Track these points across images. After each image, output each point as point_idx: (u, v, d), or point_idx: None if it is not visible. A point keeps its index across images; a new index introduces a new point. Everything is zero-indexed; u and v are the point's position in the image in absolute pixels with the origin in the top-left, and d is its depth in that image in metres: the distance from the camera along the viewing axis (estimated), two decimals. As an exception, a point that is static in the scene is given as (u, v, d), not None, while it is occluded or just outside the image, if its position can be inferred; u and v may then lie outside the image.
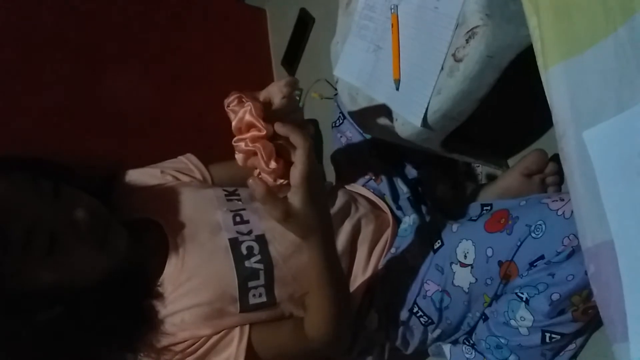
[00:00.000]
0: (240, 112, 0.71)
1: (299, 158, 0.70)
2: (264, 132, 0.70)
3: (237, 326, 0.89)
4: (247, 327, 0.89)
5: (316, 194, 0.73)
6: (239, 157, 0.73)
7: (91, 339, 0.84)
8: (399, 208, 1.14)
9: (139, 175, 1.06)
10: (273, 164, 0.70)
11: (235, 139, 0.73)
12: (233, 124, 0.72)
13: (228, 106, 0.73)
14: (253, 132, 0.70)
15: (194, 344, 0.86)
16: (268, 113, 0.73)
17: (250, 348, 0.88)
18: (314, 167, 0.71)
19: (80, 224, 0.80)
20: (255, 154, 0.71)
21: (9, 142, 1.35)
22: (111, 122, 1.69)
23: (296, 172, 0.70)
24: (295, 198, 0.72)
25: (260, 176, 0.72)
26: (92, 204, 0.84)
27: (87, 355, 0.85)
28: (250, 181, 0.71)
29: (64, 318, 0.81)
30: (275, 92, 0.76)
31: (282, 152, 0.72)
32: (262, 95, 0.76)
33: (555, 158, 1.08)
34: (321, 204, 0.77)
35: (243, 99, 0.72)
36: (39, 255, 0.76)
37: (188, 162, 1.13)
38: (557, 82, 0.56)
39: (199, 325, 0.87)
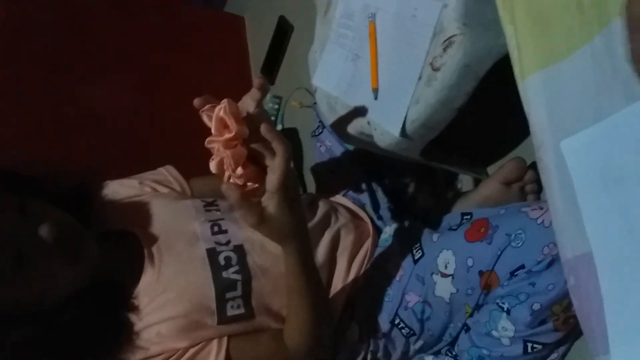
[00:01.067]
0: (216, 110, 0.70)
1: (278, 164, 0.71)
2: (233, 133, 0.69)
3: (214, 338, 0.87)
4: (225, 340, 0.87)
5: (292, 200, 0.74)
6: (212, 163, 0.73)
7: (66, 355, 0.81)
8: (380, 218, 1.14)
9: (116, 187, 1.04)
10: (240, 170, 0.71)
11: (207, 139, 0.72)
12: (212, 124, 0.71)
13: (202, 111, 0.73)
14: (225, 136, 0.70)
15: (169, 357, 0.84)
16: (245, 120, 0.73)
17: (228, 357, 0.86)
18: (291, 175, 0.72)
19: (46, 240, 0.77)
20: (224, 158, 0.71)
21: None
22: (90, 132, 1.67)
23: (274, 178, 0.71)
24: (270, 203, 0.73)
25: (230, 181, 0.72)
26: (60, 218, 0.82)
27: None
28: (223, 187, 0.72)
29: (35, 338, 0.79)
30: (248, 102, 0.76)
31: (255, 155, 0.73)
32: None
33: (534, 166, 1.09)
34: (297, 210, 0.77)
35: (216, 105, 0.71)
36: (5, 273, 0.73)
37: (167, 174, 1.11)
38: (534, 92, 0.56)
39: (175, 338, 0.85)
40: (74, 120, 1.65)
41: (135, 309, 0.86)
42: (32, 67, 1.60)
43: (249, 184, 0.73)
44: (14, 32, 1.54)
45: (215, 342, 0.86)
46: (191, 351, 0.85)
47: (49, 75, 1.62)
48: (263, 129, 0.71)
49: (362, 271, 1.05)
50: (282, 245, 0.79)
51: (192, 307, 0.86)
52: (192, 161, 1.13)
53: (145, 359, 0.84)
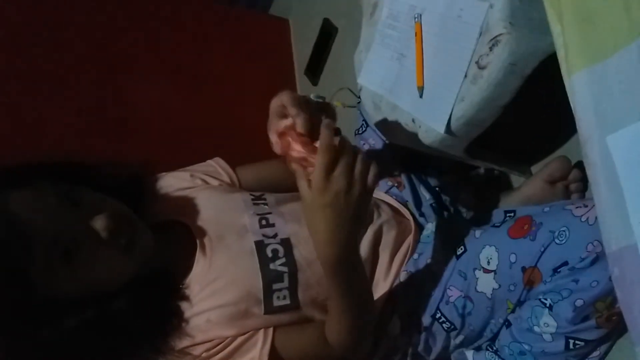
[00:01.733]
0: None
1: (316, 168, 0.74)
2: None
3: (261, 328, 0.91)
4: (270, 330, 0.90)
5: (326, 206, 0.75)
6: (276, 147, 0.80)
7: (119, 341, 0.85)
8: (422, 215, 1.15)
9: (169, 179, 1.08)
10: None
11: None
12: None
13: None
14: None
15: (217, 345, 0.87)
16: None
17: (273, 350, 0.89)
18: (330, 183, 0.73)
19: (100, 232, 0.81)
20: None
21: (39, 145, 1.39)
22: (139, 129, 1.73)
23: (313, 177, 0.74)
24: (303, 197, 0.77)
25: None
26: (115, 208, 0.85)
27: (115, 358, 0.87)
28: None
29: (91, 322, 0.82)
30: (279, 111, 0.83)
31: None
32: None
33: (579, 165, 1.09)
34: (331, 220, 0.76)
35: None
36: (62, 264, 0.78)
37: (216, 165, 1.15)
38: (580, 89, 0.57)
39: (223, 325, 0.89)
40: (131, 119, 1.71)
41: (186, 297, 0.90)
42: (87, 65, 1.67)
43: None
44: (73, 34, 1.61)
45: (261, 333, 0.90)
46: (238, 340, 0.88)
47: (104, 74, 1.68)
48: (323, 125, 0.75)
49: (404, 266, 1.07)
50: (315, 250, 0.80)
51: (240, 296, 0.90)
52: (237, 156, 1.18)
53: (193, 345, 0.88)
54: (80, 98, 1.65)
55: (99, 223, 0.81)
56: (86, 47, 1.67)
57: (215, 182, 1.11)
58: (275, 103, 0.83)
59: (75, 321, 0.82)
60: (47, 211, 0.79)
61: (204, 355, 0.86)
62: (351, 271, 0.82)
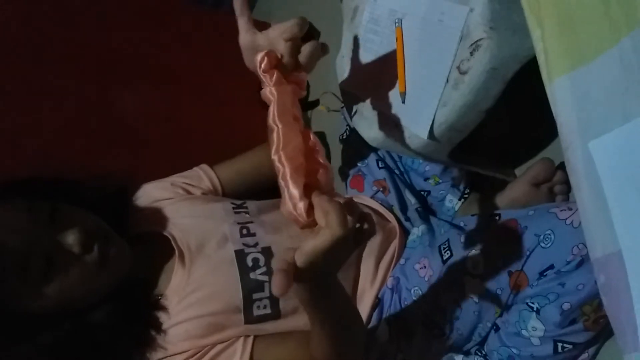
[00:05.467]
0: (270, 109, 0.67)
1: (322, 236, 0.58)
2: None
3: (239, 338, 0.89)
4: (250, 339, 0.89)
5: (321, 269, 0.62)
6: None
7: (96, 354, 0.85)
8: (408, 219, 1.15)
9: (150, 190, 1.08)
10: (301, 210, 0.62)
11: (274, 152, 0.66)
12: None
13: (260, 67, 0.69)
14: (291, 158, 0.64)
15: (195, 354, 0.87)
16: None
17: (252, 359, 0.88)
18: (330, 252, 0.59)
19: (72, 246, 0.80)
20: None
21: (20, 157, 1.37)
22: (123, 137, 1.71)
23: (310, 244, 0.59)
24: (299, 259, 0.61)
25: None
26: (88, 223, 0.85)
27: None
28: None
29: (67, 337, 0.82)
30: (277, 35, 0.71)
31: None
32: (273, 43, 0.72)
33: (563, 166, 1.09)
34: (323, 284, 0.67)
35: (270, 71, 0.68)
36: (36, 279, 0.77)
37: (200, 171, 1.16)
38: (562, 94, 0.56)
39: (201, 335, 0.88)
40: (107, 127, 1.69)
41: (164, 309, 0.89)
42: (62, 75, 1.64)
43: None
44: (43, 42, 1.58)
45: (240, 341, 0.89)
46: (217, 348, 0.88)
47: (80, 83, 1.66)
48: (314, 198, 0.61)
49: (389, 272, 1.06)
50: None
51: (220, 307, 0.89)
52: (224, 160, 1.17)
53: (172, 355, 0.87)
54: (63, 106, 1.62)
55: (71, 238, 0.81)
56: (69, 54, 1.64)
57: (196, 191, 1.11)
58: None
59: (51, 336, 0.82)
60: (18, 228, 0.78)
61: None
62: (327, 294, 0.72)
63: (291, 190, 0.62)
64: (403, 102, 0.87)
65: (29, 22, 1.55)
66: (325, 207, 0.59)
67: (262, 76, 0.68)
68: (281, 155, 0.63)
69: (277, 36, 0.70)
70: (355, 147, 1.24)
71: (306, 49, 0.71)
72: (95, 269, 0.83)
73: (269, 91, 0.67)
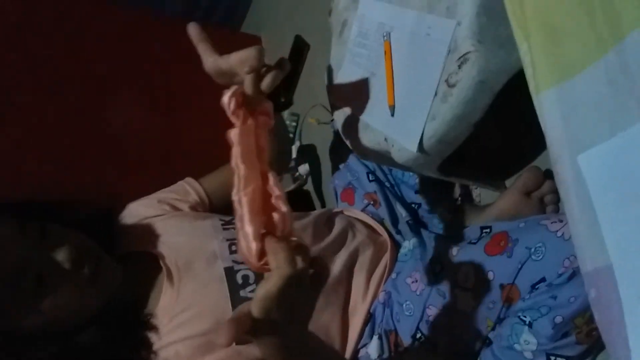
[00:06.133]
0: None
1: (272, 278, 0.57)
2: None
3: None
4: None
5: (281, 318, 0.59)
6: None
7: None
8: (399, 232, 1.14)
9: (136, 208, 1.07)
10: (253, 253, 0.61)
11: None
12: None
13: (229, 109, 0.68)
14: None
15: None
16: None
17: None
18: (283, 295, 0.57)
19: (64, 263, 0.80)
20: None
21: (8, 178, 1.36)
22: (110, 155, 1.70)
23: (261, 290, 0.57)
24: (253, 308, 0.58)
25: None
26: (78, 241, 0.85)
27: None
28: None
29: (57, 357, 0.81)
30: (237, 66, 0.71)
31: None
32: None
33: (551, 174, 1.09)
34: (287, 330, 0.62)
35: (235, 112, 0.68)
36: (26, 296, 0.77)
37: (185, 185, 1.14)
38: (549, 107, 0.56)
39: (192, 357, 0.86)
40: (95, 144, 1.69)
41: (153, 328, 0.88)
42: (49, 93, 1.64)
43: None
44: (26, 57, 1.58)
45: None
46: None
47: (69, 101, 1.66)
48: (267, 244, 0.60)
49: (381, 286, 1.06)
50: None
51: (209, 327, 0.87)
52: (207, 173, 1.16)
53: None
54: (51, 124, 1.62)
55: (61, 255, 0.80)
56: (58, 73, 1.64)
57: (184, 206, 1.10)
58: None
59: (40, 357, 0.81)
60: (9, 246, 0.78)
61: None
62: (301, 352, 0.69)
63: (245, 230, 0.61)
64: (392, 115, 0.87)
65: (16, 39, 1.55)
66: (273, 248, 0.58)
67: (231, 118, 0.68)
68: (241, 196, 0.63)
69: (237, 63, 0.71)
70: (345, 160, 1.24)
71: (267, 79, 0.73)
72: (86, 285, 0.82)
73: (233, 134, 0.67)
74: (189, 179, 1.16)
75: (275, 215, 0.63)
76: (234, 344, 0.85)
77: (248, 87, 0.71)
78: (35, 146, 1.55)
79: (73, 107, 1.67)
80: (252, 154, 0.67)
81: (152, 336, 0.87)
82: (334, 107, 1.04)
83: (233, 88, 0.69)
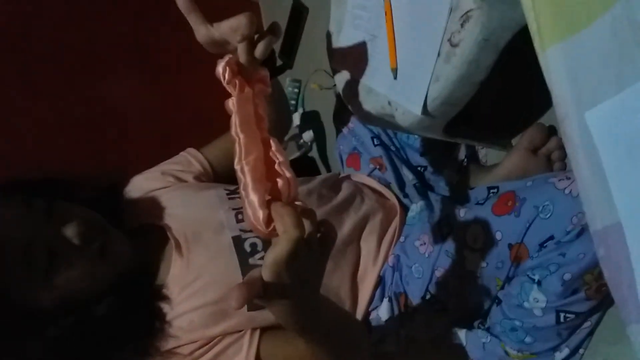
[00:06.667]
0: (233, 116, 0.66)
1: (280, 242, 0.58)
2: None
3: (245, 329, 0.89)
4: (257, 334, 0.89)
5: (292, 282, 0.60)
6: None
7: (102, 347, 0.85)
8: (406, 196, 1.14)
9: (141, 181, 1.07)
10: (260, 220, 0.61)
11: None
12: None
13: (224, 79, 0.67)
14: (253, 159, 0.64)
15: (203, 346, 0.87)
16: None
17: (258, 356, 0.87)
18: (293, 258, 0.57)
19: (73, 238, 0.81)
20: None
21: (10, 156, 1.36)
22: (111, 127, 1.69)
23: (270, 255, 0.58)
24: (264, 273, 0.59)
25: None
26: (85, 216, 0.86)
27: None
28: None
29: (73, 330, 0.83)
30: (229, 35, 0.70)
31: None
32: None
33: (556, 130, 1.08)
34: (298, 293, 0.63)
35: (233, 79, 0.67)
36: (39, 272, 0.78)
37: (188, 155, 1.14)
38: (555, 64, 0.55)
39: (206, 325, 0.88)
40: (95, 118, 1.68)
41: (166, 298, 0.89)
42: (50, 68, 1.62)
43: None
44: (27, 33, 1.56)
45: (247, 337, 0.88)
46: (224, 342, 0.88)
47: (67, 75, 1.64)
48: (273, 209, 0.60)
49: (391, 250, 1.06)
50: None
51: (221, 295, 0.89)
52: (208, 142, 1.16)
53: (179, 346, 0.87)
54: (51, 100, 1.61)
55: (71, 230, 0.81)
56: (53, 47, 1.63)
57: (188, 177, 1.10)
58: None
59: (57, 330, 0.82)
60: (19, 223, 0.79)
61: (188, 358, 0.85)
62: (314, 316, 0.71)
63: (251, 199, 0.61)
64: (395, 78, 0.86)
65: (11, 15, 1.53)
66: (280, 213, 0.59)
67: (227, 88, 0.68)
68: (243, 165, 0.63)
69: (229, 31, 0.70)
70: (350, 125, 1.23)
71: (260, 46, 0.71)
72: (96, 260, 0.84)
73: (231, 103, 0.66)
74: (190, 150, 1.15)
75: (280, 181, 0.63)
76: (246, 310, 0.87)
77: (242, 56, 0.70)
78: (35, 124, 1.54)
79: (72, 83, 1.65)
80: (252, 122, 0.67)
81: (165, 306, 0.88)
82: (336, 72, 1.03)
83: (227, 57, 0.67)
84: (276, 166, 0.64)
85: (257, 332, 0.89)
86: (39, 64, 1.58)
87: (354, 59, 0.96)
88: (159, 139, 1.71)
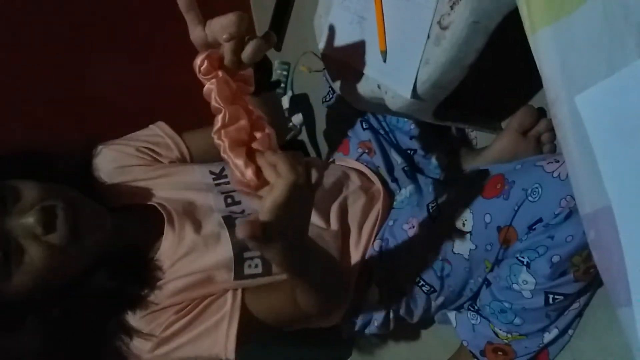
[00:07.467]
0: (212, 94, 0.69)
1: (277, 187, 0.62)
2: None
3: (229, 289, 0.90)
4: (239, 290, 0.89)
5: (287, 224, 0.63)
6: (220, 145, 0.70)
7: (98, 319, 0.85)
8: (395, 180, 1.14)
9: (113, 153, 1.04)
10: (250, 175, 0.67)
11: (215, 130, 0.70)
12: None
13: (200, 72, 0.70)
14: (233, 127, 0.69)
15: (187, 307, 0.87)
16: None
17: (244, 307, 0.87)
18: (290, 201, 0.62)
19: (34, 228, 0.77)
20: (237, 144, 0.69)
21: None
22: (89, 109, 1.67)
23: (269, 200, 0.61)
24: (264, 216, 0.62)
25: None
26: (45, 194, 0.80)
27: (91, 339, 0.86)
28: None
29: (78, 303, 0.83)
30: (217, 32, 0.69)
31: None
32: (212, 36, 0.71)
33: (545, 112, 1.08)
34: (292, 234, 0.67)
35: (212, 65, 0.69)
36: (4, 269, 0.76)
37: (162, 132, 1.09)
38: (545, 47, 0.55)
39: (191, 289, 0.89)
40: (87, 97, 1.66)
41: (158, 268, 0.89)
42: (37, 45, 1.59)
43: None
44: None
45: (230, 292, 0.89)
46: (207, 300, 0.88)
47: (53, 55, 1.61)
48: (267, 156, 0.66)
49: (374, 235, 1.06)
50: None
51: (209, 265, 0.89)
52: (197, 125, 1.13)
53: (162, 309, 0.87)
54: (33, 81, 1.58)
55: (30, 220, 0.76)
56: (36, 27, 1.59)
57: (164, 160, 1.06)
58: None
59: (51, 314, 0.81)
60: None
61: (172, 318, 0.85)
62: (303, 253, 0.74)
63: (235, 161, 0.66)
64: (384, 61, 0.85)
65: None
66: (272, 160, 0.65)
67: (202, 79, 0.69)
68: (221, 132, 0.67)
69: (219, 29, 0.68)
70: (339, 110, 1.22)
71: (248, 49, 0.69)
72: (65, 245, 0.78)
73: (208, 85, 0.69)
74: (161, 124, 1.11)
75: (259, 134, 0.68)
76: (232, 279, 0.88)
77: (227, 55, 0.69)
78: (11, 100, 1.52)
79: (50, 59, 1.62)
80: (230, 95, 0.70)
81: (158, 275, 0.88)
82: (324, 56, 1.02)
83: (209, 51, 0.68)
84: (254, 119, 0.69)
85: (240, 288, 0.89)
86: (15, 37, 1.55)
87: (343, 41, 0.95)
88: (139, 121, 1.68)
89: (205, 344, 0.85)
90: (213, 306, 0.87)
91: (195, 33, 0.72)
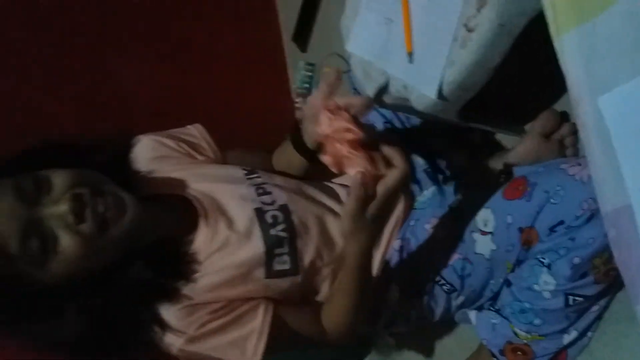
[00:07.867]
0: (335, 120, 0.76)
1: (393, 175, 0.75)
2: (359, 136, 0.75)
3: (262, 299, 0.91)
4: (271, 305, 0.91)
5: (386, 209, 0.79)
6: (327, 159, 0.77)
7: (135, 309, 0.87)
8: (416, 181, 1.15)
9: (153, 144, 1.06)
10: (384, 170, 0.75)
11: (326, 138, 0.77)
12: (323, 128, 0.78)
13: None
14: (348, 136, 0.75)
15: (221, 308, 0.88)
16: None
17: (274, 324, 0.89)
18: (396, 191, 0.76)
19: (65, 217, 0.78)
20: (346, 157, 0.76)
21: (30, 132, 1.37)
22: (119, 109, 1.70)
23: (383, 185, 0.75)
24: (372, 205, 0.76)
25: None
26: (76, 181, 0.82)
27: (126, 328, 0.88)
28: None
29: (118, 292, 0.85)
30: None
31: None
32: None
33: (569, 116, 1.09)
34: (383, 220, 0.83)
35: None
36: (39, 259, 0.77)
37: (199, 136, 1.12)
38: (570, 49, 0.56)
39: (225, 287, 0.90)
40: (119, 97, 1.69)
41: (195, 261, 0.90)
42: (72, 48, 1.63)
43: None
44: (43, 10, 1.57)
45: (262, 307, 0.90)
46: (241, 309, 0.89)
47: (90, 56, 1.65)
48: (384, 148, 0.76)
49: (394, 235, 1.07)
50: (351, 238, 0.83)
51: (243, 261, 0.91)
52: (224, 127, 1.16)
53: (196, 304, 0.88)
54: (69, 82, 1.62)
55: (63, 207, 0.78)
56: (70, 29, 1.64)
57: (201, 158, 1.10)
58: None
59: (77, 306, 0.83)
60: (6, 213, 0.77)
61: (206, 318, 0.86)
62: (368, 260, 0.88)
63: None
64: (410, 62, 0.87)
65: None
66: (388, 153, 0.75)
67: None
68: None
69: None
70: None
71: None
72: (95, 235, 0.80)
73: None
74: (199, 127, 1.14)
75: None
76: (264, 278, 0.92)
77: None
78: (58, 99, 1.55)
79: (82, 61, 1.66)
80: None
81: (194, 268, 0.90)
82: (351, 56, 1.03)
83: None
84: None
85: (272, 303, 0.91)
86: (54, 44, 1.59)
87: (370, 42, 0.97)
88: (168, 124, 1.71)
89: (233, 354, 0.87)
90: (246, 317, 0.89)
91: (309, 131, 0.90)
